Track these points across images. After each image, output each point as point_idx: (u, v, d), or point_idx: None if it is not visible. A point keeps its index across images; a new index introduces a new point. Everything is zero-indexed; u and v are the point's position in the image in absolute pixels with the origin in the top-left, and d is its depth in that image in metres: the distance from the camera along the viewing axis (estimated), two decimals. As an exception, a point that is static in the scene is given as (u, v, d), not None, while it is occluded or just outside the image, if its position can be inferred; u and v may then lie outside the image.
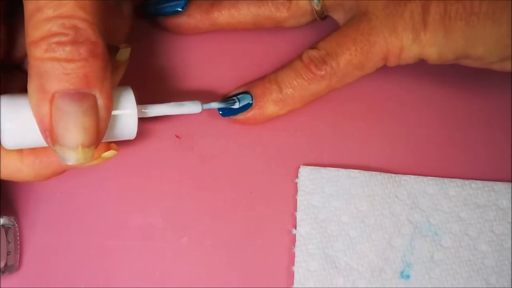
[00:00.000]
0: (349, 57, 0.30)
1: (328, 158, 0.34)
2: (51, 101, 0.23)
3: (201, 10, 0.33)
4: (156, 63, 0.34)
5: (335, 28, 0.32)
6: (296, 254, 0.32)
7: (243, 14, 0.33)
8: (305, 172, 0.33)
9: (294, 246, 0.32)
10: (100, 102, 0.24)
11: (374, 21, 0.30)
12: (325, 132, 0.34)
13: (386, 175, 0.33)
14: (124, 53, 0.28)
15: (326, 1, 0.32)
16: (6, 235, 0.31)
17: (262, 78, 0.33)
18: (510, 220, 0.33)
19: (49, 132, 0.24)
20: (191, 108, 0.29)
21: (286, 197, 0.33)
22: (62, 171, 0.28)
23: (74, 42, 0.23)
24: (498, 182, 0.33)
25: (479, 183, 0.33)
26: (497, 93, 0.35)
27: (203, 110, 0.30)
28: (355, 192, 0.33)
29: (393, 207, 0.33)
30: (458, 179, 0.33)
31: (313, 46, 0.31)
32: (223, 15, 0.33)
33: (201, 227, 0.33)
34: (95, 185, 0.33)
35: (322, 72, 0.31)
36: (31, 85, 0.24)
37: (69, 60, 0.23)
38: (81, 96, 0.23)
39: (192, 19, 0.33)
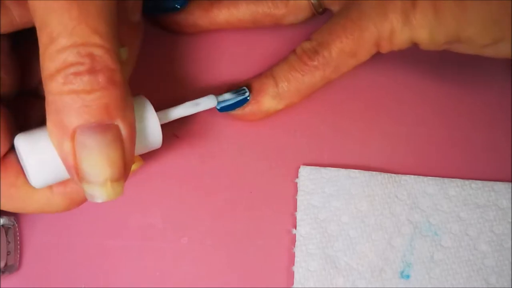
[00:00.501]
0: (341, 45, 0.30)
1: (328, 158, 0.34)
2: (73, 137, 0.22)
3: (200, 8, 0.33)
4: (154, 62, 0.34)
5: None
6: (296, 254, 0.32)
7: (242, 12, 0.33)
8: (305, 172, 0.33)
9: (294, 246, 0.32)
10: (124, 132, 0.23)
11: (363, 6, 0.29)
12: (325, 132, 0.34)
13: (386, 175, 0.33)
14: (122, 53, 0.28)
15: None
16: (6, 235, 0.31)
17: (259, 74, 0.33)
18: (510, 220, 0.33)
19: (75, 170, 0.23)
20: (207, 103, 0.29)
21: (286, 197, 0.33)
22: None
23: (91, 71, 0.22)
24: (498, 182, 0.33)
25: (479, 183, 0.33)
26: (497, 93, 0.35)
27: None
28: (355, 192, 0.33)
29: (393, 207, 0.33)
30: (458, 179, 0.33)
31: (307, 38, 0.31)
32: (223, 13, 0.33)
33: (201, 227, 0.33)
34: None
35: (315, 63, 0.31)
36: (50, 122, 0.23)
37: (88, 91, 0.22)
38: (103, 128, 0.22)
39: (192, 16, 0.33)
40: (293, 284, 0.32)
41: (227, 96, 0.31)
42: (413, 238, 0.33)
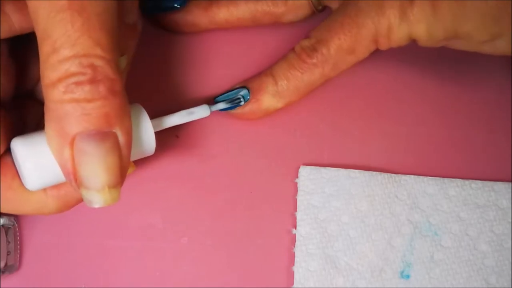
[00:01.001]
0: (339, 42, 0.30)
1: (328, 158, 0.34)
2: (72, 144, 0.23)
3: (199, 7, 0.33)
4: (153, 62, 0.34)
5: None
6: (296, 254, 0.32)
7: (242, 10, 0.33)
8: (305, 172, 0.33)
9: (294, 246, 0.32)
10: (121, 139, 0.23)
11: (361, 3, 0.29)
12: (325, 132, 0.34)
13: (386, 175, 0.33)
14: (122, 61, 0.28)
15: None
16: (6, 235, 0.31)
17: (259, 73, 0.33)
18: (510, 220, 0.33)
19: (73, 176, 0.23)
20: (201, 113, 0.29)
21: (286, 197, 0.33)
22: None
23: (92, 81, 0.22)
24: (498, 182, 0.33)
25: (479, 183, 0.33)
26: (497, 92, 0.35)
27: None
28: (355, 192, 0.33)
29: (393, 207, 0.33)
30: (458, 179, 0.33)
31: (305, 37, 0.32)
32: (222, 12, 0.33)
33: (201, 227, 0.33)
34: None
35: (314, 60, 0.31)
36: (50, 129, 0.23)
37: (88, 100, 0.22)
38: (102, 135, 0.23)
39: (191, 16, 0.33)
40: (293, 284, 0.32)
41: (220, 106, 0.31)
42: (413, 238, 0.33)
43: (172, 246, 0.32)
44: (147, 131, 0.27)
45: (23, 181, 0.25)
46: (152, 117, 0.27)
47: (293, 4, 0.33)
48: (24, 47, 0.27)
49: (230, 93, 0.32)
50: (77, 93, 0.22)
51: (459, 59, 0.35)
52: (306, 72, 0.31)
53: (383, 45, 0.30)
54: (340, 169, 0.33)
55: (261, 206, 0.33)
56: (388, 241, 0.32)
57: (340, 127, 0.34)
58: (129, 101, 0.24)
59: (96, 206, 0.24)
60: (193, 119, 0.29)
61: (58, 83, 0.22)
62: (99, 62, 0.22)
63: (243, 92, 0.32)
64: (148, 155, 0.27)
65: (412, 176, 0.33)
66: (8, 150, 0.25)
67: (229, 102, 0.32)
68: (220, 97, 0.32)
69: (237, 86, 0.33)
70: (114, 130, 0.23)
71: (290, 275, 0.32)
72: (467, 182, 0.33)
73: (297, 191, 0.33)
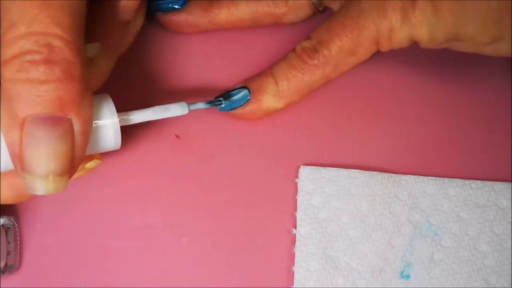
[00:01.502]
0: (340, 43, 0.30)
1: (328, 158, 0.34)
2: (22, 126, 0.22)
3: (200, 7, 0.33)
4: (153, 62, 0.34)
5: None
6: (296, 254, 0.32)
7: (242, 11, 0.33)
8: (305, 172, 0.33)
9: (294, 246, 0.32)
10: (77, 127, 0.22)
11: (363, 5, 0.29)
12: (325, 131, 0.34)
13: (386, 175, 0.33)
14: (90, 49, 0.26)
15: None
16: (6, 235, 0.31)
17: (259, 73, 0.33)
18: (510, 220, 0.33)
19: (19, 159, 0.22)
20: (177, 110, 0.28)
21: (286, 197, 0.33)
22: None
23: (47, 61, 0.21)
24: (498, 182, 0.33)
25: (479, 183, 0.33)
26: (497, 92, 0.35)
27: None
28: (355, 192, 0.33)
29: (393, 207, 0.33)
30: (458, 179, 0.33)
31: (306, 37, 0.32)
32: (222, 13, 0.33)
33: (201, 227, 0.33)
34: (95, 185, 0.33)
35: (315, 61, 0.31)
36: (1, 109, 0.22)
37: (42, 81, 0.21)
38: (54, 120, 0.22)
39: (191, 16, 0.33)
40: (293, 284, 0.32)
41: (200, 105, 0.30)
42: (413, 238, 0.33)
43: (172, 246, 0.32)
44: (112, 124, 0.25)
45: None
46: None
47: (294, 4, 0.33)
48: None
49: (231, 93, 0.32)
50: (30, 72, 0.21)
51: (459, 59, 0.35)
52: (307, 73, 0.31)
53: (384, 47, 0.30)
54: (340, 169, 0.33)
55: (261, 206, 0.33)
56: (388, 241, 0.32)
57: (340, 127, 0.34)
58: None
59: (38, 193, 0.23)
60: (169, 116, 0.28)
61: (13, 60, 0.21)
62: (57, 43, 0.21)
63: (244, 92, 0.32)
64: (113, 149, 0.26)
65: (412, 176, 0.33)
66: None
67: (208, 103, 0.31)
68: (193, 105, 0.32)
69: (237, 86, 0.33)
70: (69, 117, 0.22)
71: (290, 275, 0.32)
72: (467, 182, 0.33)
73: (297, 191, 0.33)
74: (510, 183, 0.33)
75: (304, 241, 0.32)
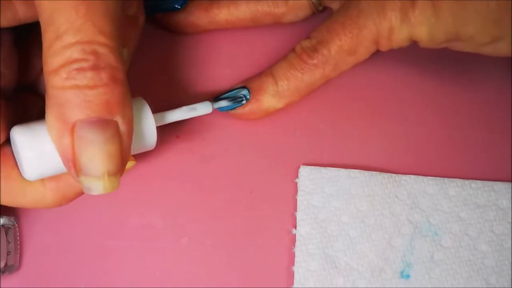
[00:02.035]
0: (340, 43, 0.30)
1: (328, 158, 0.34)
2: (72, 131, 0.22)
3: (200, 7, 0.33)
4: (154, 62, 0.34)
5: None
6: (296, 254, 0.32)
7: (242, 10, 0.33)
8: (305, 172, 0.33)
9: (294, 246, 0.32)
10: (122, 128, 0.23)
11: (362, 4, 0.30)
12: (325, 132, 0.34)
13: (386, 175, 0.33)
14: (124, 53, 0.27)
15: None
16: (6, 235, 0.31)
17: (259, 73, 0.33)
18: (510, 220, 0.33)
19: (72, 163, 0.23)
20: (203, 109, 0.29)
21: (286, 197, 0.33)
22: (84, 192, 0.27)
23: (95, 68, 0.22)
24: (498, 182, 0.33)
25: (479, 183, 0.33)
26: (497, 92, 0.35)
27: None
28: (355, 192, 0.33)
29: (393, 207, 0.33)
30: (458, 179, 0.33)
31: (306, 37, 0.32)
32: (222, 13, 0.33)
33: (201, 227, 0.33)
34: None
35: (314, 61, 0.31)
36: (51, 116, 0.23)
37: (90, 87, 0.22)
38: (103, 123, 0.23)
39: (191, 16, 0.33)
40: (293, 284, 0.32)
41: (222, 103, 0.31)
42: (413, 238, 0.33)
43: (172, 246, 0.32)
44: (149, 125, 0.26)
45: (21, 170, 0.25)
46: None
47: (294, 4, 0.33)
48: (28, 40, 0.27)
49: (231, 93, 0.32)
50: (79, 79, 0.22)
51: (459, 59, 0.35)
52: (306, 73, 0.31)
53: (384, 46, 0.30)
54: (340, 169, 0.33)
55: (261, 206, 0.33)
56: (388, 241, 0.32)
57: (340, 127, 0.34)
58: (131, 94, 0.24)
59: (95, 193, 0.23)
60: (195, 116, 0.29)
61: (60, 69, 0.22)
62: (102, 50, 0.22)
63: (244, 92, 0.32)
64: (149, 149, 0.27)
65: (412, 176, 0.33)
66: (8, 141, 0.25)
67: (231, 100, 0.32)
68: (221, 97, 0.32)
69: (237, 86, 0.33)
70: (115, 119, 0.23)
71: (290, 275, 0.32)
72: (467, 182, 0.33)
73: (297, 191, 0.33)
74: (510, 183, 0.33)
75: (304, 241, 0.32)
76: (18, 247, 0.32)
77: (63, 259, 0.32)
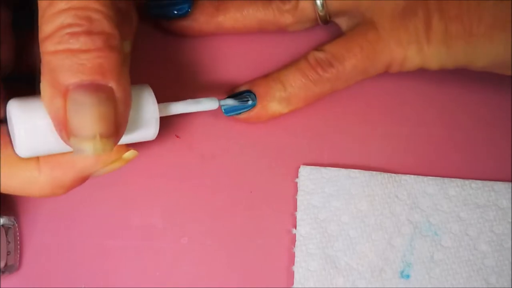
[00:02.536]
0: (355, 62, 0.31)
1: (328, 158, 0.34)
2: (65, 94, 0.22)
3: (205, 13, 0.33)
4: (158, 65, 0.34)
5: (338, 30, 0.33)
6: (296, 254, 0.32)
7: (249, 18, 0.33)
8: (305, 172, 0.33)
9: (294, 246, 0.32)
10: (118, 95, 0.23)
11: (381, 31, 0.31)
12: (325, 132, 0.34)
13: (386, 175, 0.33)
14: (126, 46, 0.27)
15: (330, 9, 0.32)
16: (6, 235, 0.31)
17: (265, 77, 0.33)
18: (510, 220, 0.33)
19: (64, 126, 0.23)
20: (208, 104, 0.29)
21: (286, 197, 0.33)
22: (82, 180, 0.27)
23: (88, 33, 0.22)
24: (498, 182, 0.33)
25: (479, 183, 0.33)
26: (497, 92, 0.35)
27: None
28: (355, 192, 0.33)
29: (393, 207, 0.33)
30: (458, 179, 0.33)
31: (318, 48, 0.32)
32: (228, 20, 0.33)
33: (201, 227, 0.33)
34: (95, 185, 0.33)
35: (328, 75, 0.31)
36: (44, 81, 0.23)
37: (83, 51, 0.22)
38: (96, 87, 0.22)
39: (197, 23, 0.33)
40: (293, 284, 0.32)
41: (229, 101, 0.31)
42: (413, 238, 0.33)
43: (172, 246, 0.32)
44: (151, 112, 0.26)
45: (14, 147, 0.25)
46: None
47: (300, 16, 0.33)
48: (28, 30, 0.27)
49: (237, 97, 0.32)
50: (71, 43, 0.22)
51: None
52: (318, 85, 0.32)
53: (394, 70, 0.32)
54: (340, 169, 0.33)
55: (261, 206, 0.33)
56: (388, 241, 0.32)
57: (340, 127, 0.34)
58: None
59: (86, 154, 0.23)
60: (200, 110, 0.29)
61: (53, 35, 0.22)
62: (95, 15, 0.22)
63: (249, 95, 0.32)
64: (150, 139, 0.27)
65: (412, 176, 0.33)
66: (4, 121, 0.25)
67: (237, 99, 0.32)
68: (223, 101, 0.32)
69: (242, 89, 0.32)
70: (109, 85, 0.23)
71: (290, 275, 0.32)
72: (467, 182, 0.33)
73: (297, 191, 0.33)
74: (510, 183, 0.33)
75: (304, 241, 0.32)
76: (18, 247, 0.32)
77: (63, 259, 0.32)
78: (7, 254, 0.31)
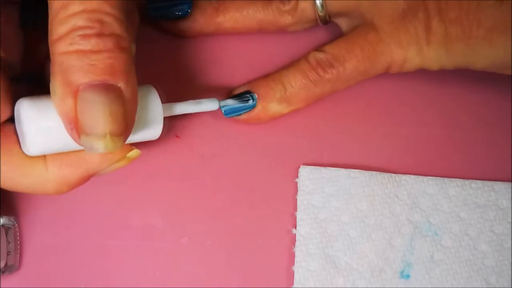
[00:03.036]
0: (356, 64, 0.31)
1: (328, 158, 0.34)
2: (76, 94, 0.23)
3: (205, 15, 0.33)
4: (158, 65, 0.34)
5: (338, 30, 0.33)
6: (296, 254, 0.32)
7: (248, 19, 0.33)
8: (305, 172, 0.33)
9: (294, 246, 0.32)
10: (127, 94, 0.23)
11: (381, 33, 0.31)
12: (325, 132, 0.34)
13: (386, 175, 0.33)
14: (132, 48, 0.27)
15: (330, 9, 0.32)
16: (6, 235, 0.31)
17: (265, 77, 0.33)
18: (510, 220, 0.33)
19: (74, 125, 0.23)
20: (209, 105, 0.29)
21: (286, 197, 0.33)
22: (87, 178, 0.27)
23: (99, 35, 0.22)
24: (498, 182, 0.33)
25: (479, 183, 0.33)
26: (497, 92, 0.35)
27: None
28: (355, 192, 0.33)
29: (393, 207, 0.33)
30: (458, 179, 0.33)
31: (319, 49, 0.32)
32: (228, 20, 0.33)
33: (201, 227, 0.33)
34: (95, 185, 0.33)
35: (328, 75, 0.32)
36: (54, 82, 0.23)
37: (94, 52, 0.22)
38: (107, 87, 0.23)
39: (196, 24, 0.33)
40: (293, 284, 0.32)
41: (230, 102, 0.31)
42: (413, 238, 0.33)
43: (172, 246, 0.32)
44: (156, 112, 0.26)
45: (23, 146, 0.25)
46: None
47: (300, 17, 0.33)
48: (34, 30, 0.28)
49: (234, 100, 0.32)
50: (82, 44, 0.22)
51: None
52: (319, 85, 0.32)
53: (394, 71, 0.32)
54: (340, 169, 0.33)
55: (261, 206, 0.33)
56: (388, 241, 0.32)
57: (340, 127, 0.34)
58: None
59: (98, 151, 0.23)
60: (201, 110, 0.29)
61: (65, 36, 0.22)
62: (107, 18, 0.23)
63: (250, 98, 0.32)
64: (153, 139, 0.27)
65: (412, 176, 0.33)
66: (12, 119, 0.25)
67: (238, 99, 0.32)
68: (223, 101, 0.32)
69: (243, 90, 0.32)
70: (119, 85, 0.23)
71: (290, 275, 0.32)
72: (467, 182, 0.33)
73: (297, 191, 0.33)
74: (510, 183, 0.33)
75: (304, 241, 0.32)
76: (18, 247, 0.32)
77: (63, 259, 0.32)
78: (7, 254, 0.31)
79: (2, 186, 0.26)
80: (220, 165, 0.33)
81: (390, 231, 0.33)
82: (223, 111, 0.32)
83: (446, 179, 0.33)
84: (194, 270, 0.32)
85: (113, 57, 0.23)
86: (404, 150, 0.34)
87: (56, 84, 0.23)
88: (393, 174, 0.33)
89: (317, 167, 0.33)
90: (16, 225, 0.31)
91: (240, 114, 0.32)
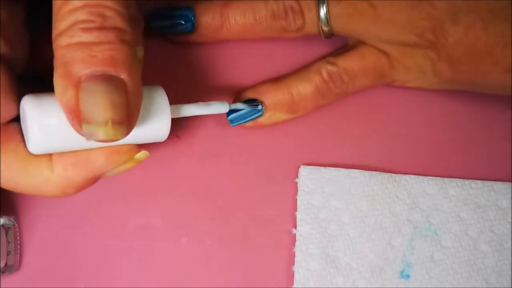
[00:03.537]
0: (366, 81, 0.32)
1: (328, 158, 0.34)
2: (77, 85, 0.23)
3: (209, 31, 0.32)
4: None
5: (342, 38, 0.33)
6: (296, 254, 0.32)
7: (254, 34, 0.33)
8: (305, 172, 0.33)
9: (294, 246, 0.32)
10: (129, 86, 0.23)
11: (392, 60, 0.32)
12: (325, 132, 0.34)
13: (386, 175, 0.33)
14: (139, 51, 0.27)
15: (336, 30, 0.32)
16: (6, 235, 0.31)
17: (274, 85, 0.32)
18: (510, 220, 0.33)
19: (75, 114, 0.23)
20: (219, 108, 0.29)
21: (286, 197, 0.33)
22: (93, 181, 0.27)
23: (101, 28, 0.23)
24: (498, 182, 0.33)
25: (479, 183, 0.33)
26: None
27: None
28: (355, 192, 0.33)
29: (393, 207, 0.33)
30: (458, 179, 0.33)
31: (330, 60, 0.32)
32: (233, 35, 0.33)
33: (201, 227, 0.33)
34: (95, 185, 0.32)
35: (338, 90, 0.32)
36: (56, 75, 0.23)
37: (95, 43, 0.22)
38: (108, 77, 0.23)
39: (202, 38, 0.33)
40: (293, 284, 0.32)
41: (240, 105, 0.31)
42: (413, 238, 0.33)
43: (172, 246, 0.32)
44: (164, 114, 0.26)
45: (28, 142, 0.25)
46: None
47: (305, 34, 0.32)
48: (40, 31, 0.27)
49: (244, 105, 0.32)
50: (84, 37, 0.22)
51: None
52: (326, 97, 0.32)
53: (396, 85, 0.34)
54: (340, 169, 0.33)
55: (261, 206, 0.33)
56: (388, 241, 0.32)
57: (340, 127, 0.34)
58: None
59: (99, 139, 0.23)
60: (210, 113, 0.29)
61: (67, 30, 0.22)
62: (109, 13, 0.23)
63: (256, 108, 0.32)
64: (160, 140, 0.27)
65: (412, 176, 0.33)
66: (17, 118, 0.25)
67: (247, 103, 0.32)
68: (233, 104, 0.32)
69: (250, 96, 0.32)
70: (121, 76, 0.23)
71: (290, 275, 0.32)
72: (467, 182, 0.33)
73: (297, 191, 0.33)
74: (510, 183, 0.33)
75: (304, 241, 0.32)
76: (18, 247, 0.32)
77: (63, 259, 0.32)
78: (7, 254, 0.31)
79: (6, 187, 0.26)
80: (220, 165, 0.33)
81: (390, 231, 0.33)
82: (229, 120, 0.32)
83: (446, 179, 0.33)
84: (194, 270, 0.32)
85: (115, 48, 0.23)
86: (404, 150, 0.34)
87: (57, 77, 0.23)
88: (393, 174, 0.33)
89: (317, 167, 0.33)
90: (16, 225, 0.31)
91: (246, 122, 0.32)
